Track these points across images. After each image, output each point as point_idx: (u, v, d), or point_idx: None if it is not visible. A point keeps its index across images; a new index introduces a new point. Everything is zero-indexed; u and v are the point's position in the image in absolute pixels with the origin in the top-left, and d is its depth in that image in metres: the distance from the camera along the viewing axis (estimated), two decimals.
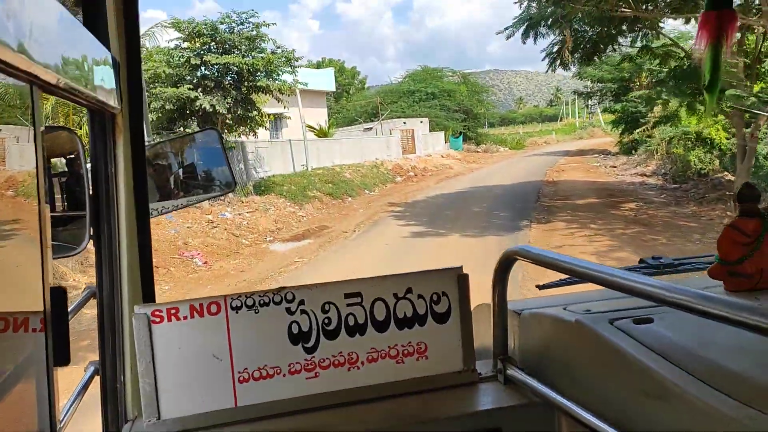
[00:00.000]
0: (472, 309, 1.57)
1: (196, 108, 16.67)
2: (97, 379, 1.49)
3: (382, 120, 36.78)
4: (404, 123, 36.10)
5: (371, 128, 36.35)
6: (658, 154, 21.32)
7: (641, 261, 1.75)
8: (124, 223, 1.47)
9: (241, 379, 1.43)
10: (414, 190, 22.40)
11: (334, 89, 35.74)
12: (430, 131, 39.72)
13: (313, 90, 29.52)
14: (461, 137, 44.35)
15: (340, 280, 1.51)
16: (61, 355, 1.04)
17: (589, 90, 36.14)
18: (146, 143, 1.58)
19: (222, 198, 16.77)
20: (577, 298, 1.60)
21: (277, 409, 1.44)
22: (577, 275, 1.22)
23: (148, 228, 1.52)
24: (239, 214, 15.99)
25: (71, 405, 1.37)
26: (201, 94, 16.76)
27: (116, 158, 1.45)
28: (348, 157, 27.04)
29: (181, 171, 1.88)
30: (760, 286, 1.32)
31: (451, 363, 1.56)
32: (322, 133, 28.99)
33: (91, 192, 1.42)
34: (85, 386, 1.47)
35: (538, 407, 1.42)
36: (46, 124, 0.89)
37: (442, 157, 36.98)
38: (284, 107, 19.81)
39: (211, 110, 16.65)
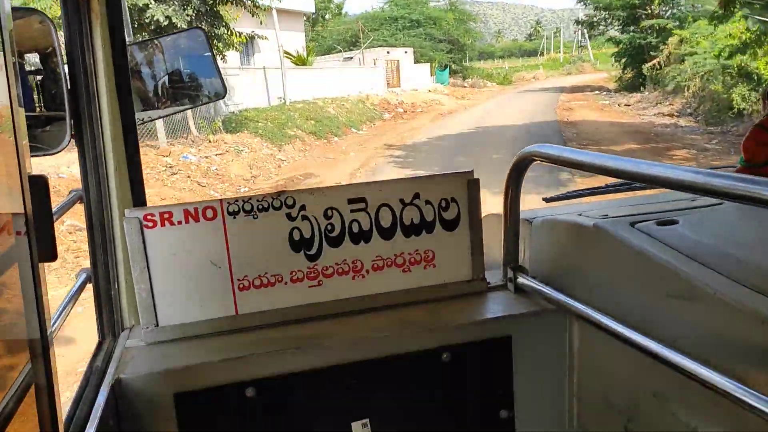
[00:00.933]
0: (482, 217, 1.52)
1: (147, 20, 13.18)
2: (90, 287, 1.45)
3: (364, 49, 33.18)
4: (387, 53, 32.64)
5: (352, 58, 32.80)
6: (689, 90, 18.65)
7: None
8: (108, 121, 1.38)
9: (242, 286, 1.40)
10: (409, 129, 19.44)
11: (313, 9, 31.64)
12: (415, 62, 36.35)
13: (288, 9, 25.73)
14: (447, 70, 41.08)
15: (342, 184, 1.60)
16: (46, 250, 0.97)
17: (593, 18, 32.94)
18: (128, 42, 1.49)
19: (184, 135, 13.85)
20: (591, 207, 1.55)
21: (279, 317, 1.42)
22: (605, 172, 1.09)
23: (134, 128, 1.42)
24: (206, 157, 12.96)
25: (61, 312, 1.28)
26: (153, 1, 13.25)
27: (94, 48, 1.35)
28: (329, 89, 23.75)
29: (165, 77, 1.70)
30: None
31: (460, 271, 1.52)
32: (300, 61, 25.45)
33: (68, 87, 1.30)
34: (77, 293, 1.39)
35: (549, 315, 1.40)
36: (13, 5, 0.74)
37: (429, 91, 33.85)
38: (260, 22, 16.34)
39: (166, 23, 13.18)
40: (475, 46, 50.06)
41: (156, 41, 2.01)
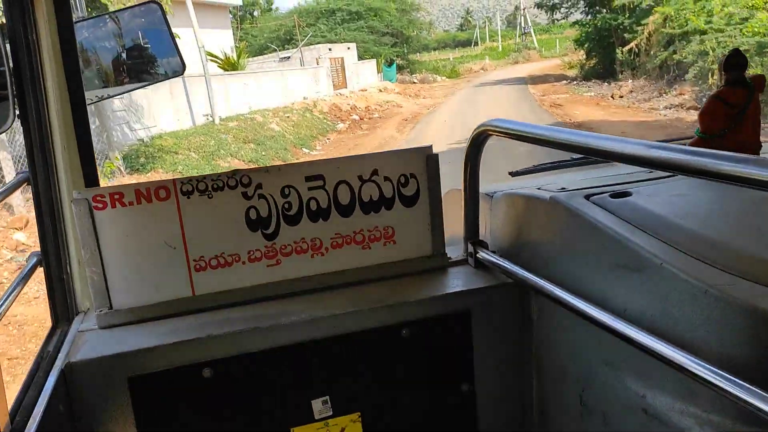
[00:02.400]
0: (442, 193, 1.51)
1: None
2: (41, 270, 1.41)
3: (302, 46, 28.84)
4: (329, 50, 28.46)
5: (289, 57, 28.41)
6: (713, 76, 15.38)
7: None
8: (54, 101, 1.36)
9: (198, 267, 1.38)
10: (378, 146, 15.35)
11: (240, 2, 26.85)
12: (359, 59, 32.35)
13: (210, 2, 21.11)
14: (394, 66, 37.28)
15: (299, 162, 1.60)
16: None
17: (554, 1, 29.74)
18: (78, 19, 1.50)
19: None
20: (552, 180, 1.55)
21: (237, 297, 1.41)
22: (557, 145, 1.11)
23: (84, 108, 1.41)
24: None
25: (8, 296, 1.29)
26: None
27: (37, 25, 1.31)
28: (269, 97, 19.39)
29: (123, 53, 1.67)
30: None
31: (420, 248, 1.52)
32: (229, 65, 20.84)
33: (11, 66, 1.26)
34: (26, 277, 1.38)
35: (508, 288, 1.42)
36: None
37: (380, 91, 29.94)
38: (171, 14, 11.82)
39: None
40: (420, 38, 46.25)
41: (111, 16, 1.75)
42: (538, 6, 29.81)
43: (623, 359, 1.10)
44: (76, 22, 1.43)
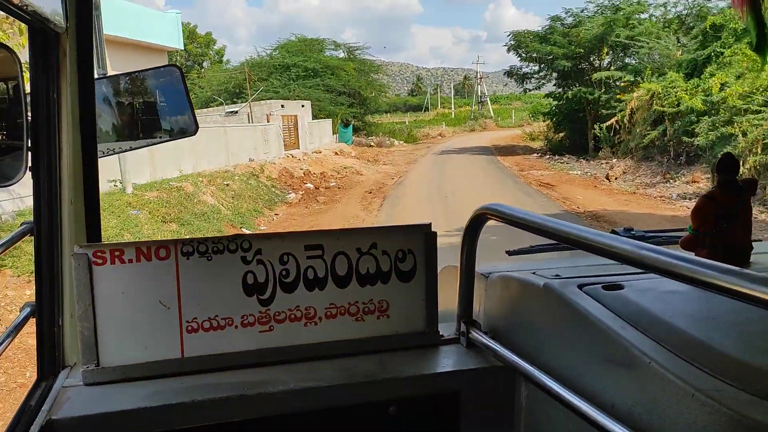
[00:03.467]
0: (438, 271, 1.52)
1: None
2: (33, 322, 1.40)
3: (252, 101, 25.83)
4: (282, 106, 25.60)
5: (236, 112, 25.30)
6: (747, 163, 12.98)
7: (613, 231, 1.66)
8: (67, 157, 1.37)
9: (190, 328, 1.37)
10: (338, 227, 12.03)
11: (181, 47, 23.52)
12: (313, 118, 29.64)
13: (139, 42, 17.89)
14: (350, 127, 34.78)
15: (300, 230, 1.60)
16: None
17: (526, 70, 28.02)
18: (100, 75, 1.62)
19: None
20: (547, 264, 1.58)
21: (227, 362, 1.39)
22: (552, 236, 1.13)
23: (95, 164, 1.42)
24: None
25: (0, 344, 1.24)
26: None
27: (59, 85, 1.35)
28: (207, 157, 16.06)
29: (138, 110, 1.72)
30: (730, 260, 1.07)
31: (413, 323, 1.51)
32: None
33: (29, 120, 1.29)
34: (18, 327, 1.36)
35: (499, 371, 1.40)
36: None
37: (336, 154, 27.14)
38: (22, 46, 8.52)
39: None
40: (379, 100, 44.18)
41: (130, 75, 1.77)
42: (508, 74, 28.03)
43: None
44: (97, 80, 1.45)
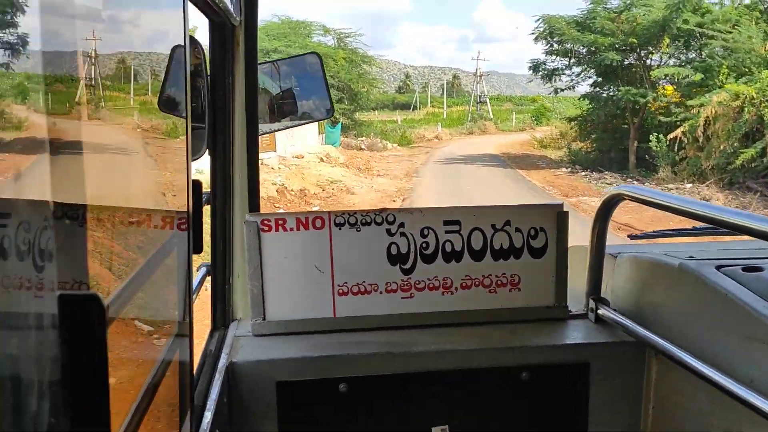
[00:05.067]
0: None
1: None
2: (208, 279, 1.59)
3: None
4: None
5: None
6: None
7: None
8: (238, 137, 1.57)
9: (341, 291, 1.54)
10: None
11: None
12: None
13: None
14: (339, 126, 29.62)
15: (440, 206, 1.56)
16: (196, 243, 1.15)
17: (556, 65, 22.95)
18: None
19: None
20: (675, 247, 1.63)
21: (372, 323, 1.55)
22: (697, 218, 1.17)
23: (257, 143, 1.62)
24: None
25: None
26: None
27: (234, 73, 1.53)
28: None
29: (282, 94, 1.87)
30: None
31: (543, 297, 1.61)
32: None
33: (209, 103, 1.45)
34: (198, 286, 1.52)
35: (629, 347, 1.48)
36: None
37: (321, 161, 22.04)
38: None
39: None
40: (371, 96, 38.86)
41: (276, 63, 1.96)
42: (533, 69, 23.02)
43: (745, 428, 1.11)
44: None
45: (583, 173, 20.79)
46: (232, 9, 1.32)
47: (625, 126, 21.78)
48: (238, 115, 1.53)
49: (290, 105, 1.85)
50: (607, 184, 18.35)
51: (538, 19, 21.70)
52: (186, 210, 0.88)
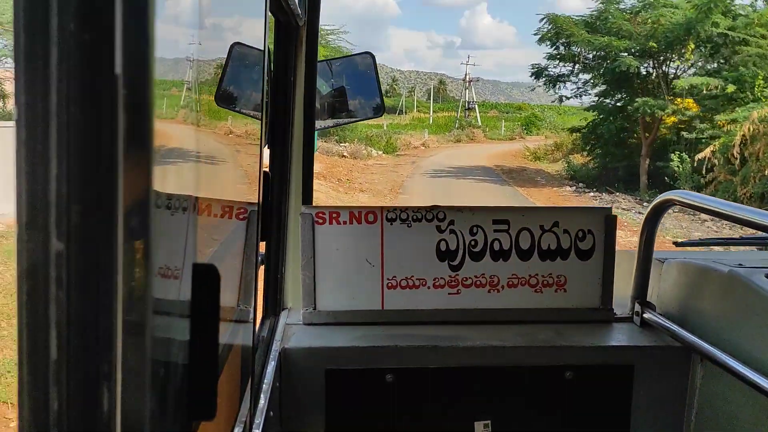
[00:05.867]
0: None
1: None
2: (261, 269, 1.55)
3: None
4: None
5: None
6: None
7: None
8: (297, 133, 1.62)
9: (390, 285, 1.59)
10: None
11: None
12: None
13: None
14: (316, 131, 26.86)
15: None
16: (265, 233, 1.28)
17: (561, 71, 20.48)
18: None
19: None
20: (723, 255, 1.63)
21: (419, 317, 1.60)
22: (749, 225, 1.13)
23: (313, 140, 1.67)
24: None
25: None
26: None
27: (296, 71, 1.58)
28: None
29: (335, 92, 1.89)
30: None
31: (589, 299, 1.63)
32: None
33: (267, 101, 1.43)
34: None
35: (673, 351, 1.49)
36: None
37: None
38: None
39: None
40: None
41: (329, 61, 2.00)
42: (535, 75, 20.56)
43: None
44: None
45: (591, 194, 18.33)
46: (296, 9, 1.37)
47: (633, 141, 19.42)
48: (297, 111, 1.59)
49: (341, 103, 1.92)
50: (624, 209, 15.91)
51: (543, 19, 19.26)
52: (257, 201, 0.95)
